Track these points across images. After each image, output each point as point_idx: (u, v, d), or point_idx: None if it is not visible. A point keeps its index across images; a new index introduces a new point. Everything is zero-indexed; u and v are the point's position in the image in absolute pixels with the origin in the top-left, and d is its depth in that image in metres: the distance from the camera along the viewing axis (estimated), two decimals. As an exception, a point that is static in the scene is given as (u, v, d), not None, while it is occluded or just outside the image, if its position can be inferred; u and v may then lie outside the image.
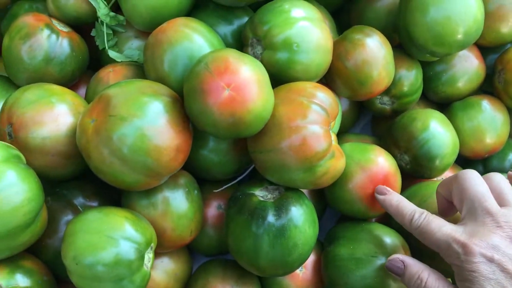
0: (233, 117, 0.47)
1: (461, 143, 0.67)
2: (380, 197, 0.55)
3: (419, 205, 0.59)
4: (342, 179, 0.58)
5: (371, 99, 0.68)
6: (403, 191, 0.63)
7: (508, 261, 0.43)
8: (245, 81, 0.47)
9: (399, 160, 0.64)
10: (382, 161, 0.58)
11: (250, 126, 0.49)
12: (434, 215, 0.49)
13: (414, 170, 0.64)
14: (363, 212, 0.59)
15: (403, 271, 0.49)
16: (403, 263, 0.50)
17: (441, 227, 0.47)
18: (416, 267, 0.49)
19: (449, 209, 0.53)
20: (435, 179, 0.66)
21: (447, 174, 0.67)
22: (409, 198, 0.61)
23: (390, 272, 0.52)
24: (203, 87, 0.47)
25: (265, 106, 0.49)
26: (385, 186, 0.56)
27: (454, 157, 0.64)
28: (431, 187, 0.61)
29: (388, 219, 0.65)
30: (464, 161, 0.73)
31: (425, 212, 0.50)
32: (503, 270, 0.43)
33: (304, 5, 0.58)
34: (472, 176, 0.49)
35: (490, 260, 0.43)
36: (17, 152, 0.49)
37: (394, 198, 0.54)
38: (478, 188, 0.48)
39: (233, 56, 0.49)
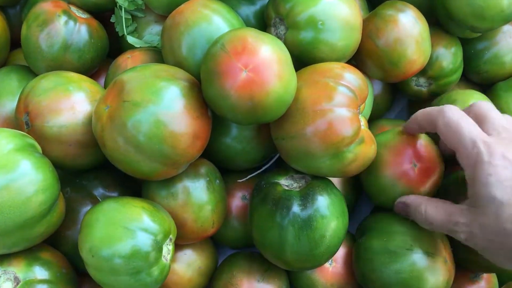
0: (252, 101, 0.44)
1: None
2: (406, 124, 0.54)
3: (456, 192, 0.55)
4: (374, 166, 0.54)
5: (406, 81, 0.63)
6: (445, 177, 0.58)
7: None
8: (264, 61, 0.44)
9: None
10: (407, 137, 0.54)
11: (271, 110, 0.46)
12: (463, 112, 0.47)
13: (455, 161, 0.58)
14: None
15: (408, 209, 0.51)
16: (405, 203, 0.52)
17: (470, 125, 0.45)
18: (414, 203, 0.50)
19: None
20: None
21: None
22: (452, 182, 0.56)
23: (401, 215, 0.53)
24: (219, 69, 0.44)
25: (286, 89, 0.46)
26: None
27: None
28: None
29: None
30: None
31: (455, 106, 0.47)
32: None
33: (330, -20, 0.54)
34: (456, 111, 0.47)
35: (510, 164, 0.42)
36: (32, 141, 0.47)
37: (418, 111, 0.51)
38: (464, 121, 0.46)
39: (251, 35, 0.45)
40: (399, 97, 0.74)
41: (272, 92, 0.44)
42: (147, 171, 0.48)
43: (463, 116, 0.46)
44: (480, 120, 0.46)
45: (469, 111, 0.48)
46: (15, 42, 0.66)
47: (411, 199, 0.51)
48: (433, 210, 0.48)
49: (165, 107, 0.45)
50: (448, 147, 0.47)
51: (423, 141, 0.54)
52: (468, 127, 0.45)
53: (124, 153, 0.46)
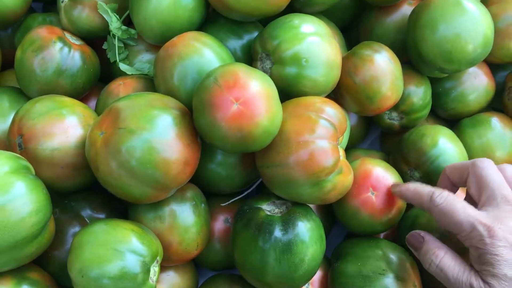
0: (241, 132, 0.47)
1: (470, 159, 0.66)
2: (396, 188, 0.55)
3: (428, 222, 0.59)
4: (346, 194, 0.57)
5: (379, 114, 0.68)
6: (412, 208, 0.63)
7: None
8: (254, 95, 0.47)
9: (409, 176, 0.64)
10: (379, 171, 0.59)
11: (258, 140, 0.49)
12: (454, 195, 0.48)
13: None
14: (370, 227, 0.58)
15: (421, 245, 0.50)
16: (423, 238, 0.50)
17: (465, 208, 0.46)
18: (435, 244, 0.49)
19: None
20: (444, 196, 0.65)
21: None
22: (418, 215, 0.61)
23: (408, 245, 0.52)
24: (212, 101, 0.47)
25: (273, 121, 0.49)
26: (398, 182, 0.57)
27: (464, 174, 0.63)
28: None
29: (396, 236, 0.65)
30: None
31: (446, 191, 0.49)
32: None
33: (313, 20, 0.58)
34: (490, 165, 0.49)
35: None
36: (26, 163, 0.49)
37: (410, 185, 0.54)
38: (496, 176, 0.48)
39: (242, 71, 0.49)
40: (373, 128, 0.79)
41: (260, 124, 0.47)
42: (138, 195, 0.50)
43: (454, 200, 0.47)
44: (480, 185, 0.48)
45: (471, 172, 0.50)
46: (5, 63, 0.68)
47: (429, 237, 0.50)
48: (450, 261, 0.47)
49: (158, 135, 0.48)
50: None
51: (381, 169, 0.58)
52: (462, 211, 0.46)
53: (116, 177, 0.48)
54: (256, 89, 0.48)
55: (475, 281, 0.45)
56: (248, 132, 0.47)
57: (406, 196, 0.53)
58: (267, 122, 0.48)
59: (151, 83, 0.61)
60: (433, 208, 0.48)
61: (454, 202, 0.47)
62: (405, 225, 0.62)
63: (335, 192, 0.54)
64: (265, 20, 0.61)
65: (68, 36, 0.62)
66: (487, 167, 0.49)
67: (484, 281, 0.45)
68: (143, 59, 0.64)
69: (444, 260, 0.47)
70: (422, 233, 0.51)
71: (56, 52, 0.58)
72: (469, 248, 0.46)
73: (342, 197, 0.57)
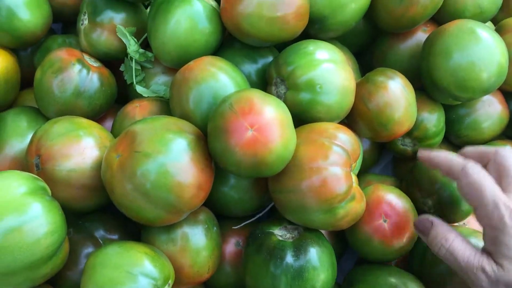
0: (255, 158, 0.48)
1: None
2: (424, 153, 0.54)
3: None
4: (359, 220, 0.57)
5: (393, 140, 0.68)
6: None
7: None
8: (269, 122, 0.48)
9: (421, 204, 0.64)
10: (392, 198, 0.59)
11: (272, 166, 0.49)
12: (486, 172, 0.47)
13: (437, 215, 0.62)
14: (382, 254, 0.58)
15: (430, 230, 0.50)
16: (432, 222, 0.50)
17: (494, 186, 0.46)
18: (444, 227, 0.49)
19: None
20: (457, 224, 0.65)
21: (470, 219, 0.66)
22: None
23: (417, 231, 0.52)
24: (227, 127, 0.48)
25: (287, 147, 0.49)
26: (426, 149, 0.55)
27: (477, 202, 0.63)
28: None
29: (407, 264, 0.64)
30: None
31: (479, 165, 0.48)
32: None
33: (328, 47, 0.59)
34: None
35: None
36: (43, 184, 0.50)
37: (441, 151, 0.52)
38: None
39: (257, 97, 0.49)
40: (385, 152, 0.79)
41: (274, 150, 0.48)
42: (152, 217, 0.50)
43: (485, 176, 0.47)
44: (501, 173, 0.48)
45: (493, 159, 0.49)
46: (24, 82, 0.69)
47: (437, 221, 0.50)
48: (460, 244, 0.47)
49: (173, 159, 0.48)
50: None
51: (394, 196, 0.58)
52: (490, 188, 0.45)
53: (131, 200, 0.49)
54: (270, 116, 0.48)
55: (487, 263, 0.45)
56: (262, 158, 0.48)
57: (435, 161, 0.52)
58: (281, 148, 0.48)
59: (166, 105, 0.62)
60: (463, 178, 0.47)
61: (485, 177, 0.46)
62: (417, 253, 0.61)
63: (347, 219, 0.54)
64: (280, 45, 0.62)
65: (87, 58, 0.63)
66: (510, 157, 0.48)
67: (497, 263, 0.44)
68: (159, 81, 0.66)
69: (454, 243, 0.47)
70: (431, 217, 0.51)
71: (75, 74, 0.59)
72: (484, 228, 0.46)
73: (354, 224, 0.57)
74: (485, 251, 0.46)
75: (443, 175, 0.53)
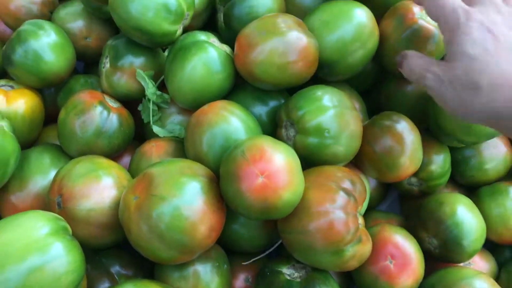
0: (265, 203, 0.50)
1: (489, 228, 0.67)
2: None
3: (446, 290, 0.60)
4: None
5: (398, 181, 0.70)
6: (430, 275, 0.64)
7: (502, 36, 0.46)
8: (278, 169, 0.50)
9: (427, 244, 0.65)
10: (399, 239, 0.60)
11: (281, 210, 0.52)
12: None
13: (443, 255, 0.64)
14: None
15: (402, 62, 0.55)
16: (402, 56, 0.55)
17: None
18: (406, 55, 0.54)
19: None
20: (462, 264, 0.66)
21: (476, 259, 0.68)
22: (437, 282, 0.62)
23: (398, 67, 0.56)
24: (238, 173, 0.51)
25: (295, 193, 0.52)
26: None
27: (482, 242, 0.65)
28: (458, 273, 0.62)
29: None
30: (492, 245, 0.73)
31: None
32: (494, 40, 0.45)
33: (336, 92, 0.61)
34: None
35: (487, 29, 0.46)
36: (64, 223, 0.53)
37: None
38: None
39: (268, 145, 0.52)
40: (392, 188, 0.80)
41: (283, 196, 0.50)
42: (166, 257, 0.53)
43: None
44: None
45: None
46: (48, 119, 0.73)
47: (409, 53, 0.55)
48: (416, 59, 0.52)
49: (187, 202, 0.51)
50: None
51: (400, 237, 0.60)
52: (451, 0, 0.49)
53: (147, 241, 0.51)
54: (280, 163, 0.51)
55: (436, 64, 0.49)
56: (271, 203, 0.50)
57: None
58: (289, 194, 0.51)
59: (181, 145, 0.65)
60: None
61: None
62: (423, 293, 0.63)
63: (354, 261, 0.55)
64: (291, 88, 0.65)
65: (107, 99, 0.66)
66: None
67: (446, 64, 0.48)
68: (175, 121, 0.69)
69: (412, 59, 0.53)
70: (403, 52, 0.56)
71: (96, 115, 0.63)
72: (444, 35, 0.49)
73: (361, 264, 0.58)
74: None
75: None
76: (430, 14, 0.51)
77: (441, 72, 0.48)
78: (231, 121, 0.59)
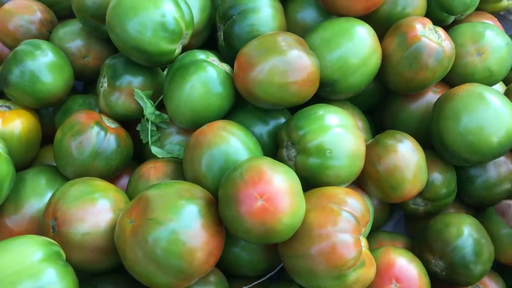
0: (264, 226, 0.48)
1: (497, 249, 0.65)
2: None
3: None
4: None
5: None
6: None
7: None
8: (278, 192, 0.49)
9: (433, 266, 0.63)
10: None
11: (281, 234, 0.50)
12: None
13: (450, 277, 0.62)
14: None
15: (508, 209, 0.52)
16: (510, 205, 0.52)
17: None
18: None
19: None
20: (470, 287, 0.64)
21: (485, 280, 0.65)
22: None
23: (497, 214, 0.54)
24: (237, 196, 0.49)
25: (295, 216, 0.50)
26: None
27: (491, 264, 0.63)
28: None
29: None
30: (500, 266, 0.70)
31: None
32: None
33: (338, 112, 0.60)
34: None
35: None
36: (58, 248, 0.51)
37: None
38: None
39: (267, 167, 0.51)
40: (397, 208, 0.78)
41: (283, 219, 0.49)
42: (162, 283, 0.51)
43: None
44: None
45: None
46: (45, 139, 0.72)
47: None
48: None
49: (184, 226, 0.50)
50: None
51: (405, 260, 0.58)
52: None
53: (142, 267, 0.50)
54: (279, 185, 0.49)
55: None
56: (271, 227, 0.49)
57: None
58: (289, 218, 0.49)
59: (180, 166, 0.63)
60: None
61: None
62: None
63: (357, 285, 0.54)
64: (292, 107, 0.64)
65: (105, 119, 0.65)
66: None
67: None
68: (174, 141, 0.67)
69: None
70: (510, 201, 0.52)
71: (93, 136, 0.62)
72: None
73: None
74: None
75: None
76: None
77: None
78: (231, 142, 0.57)
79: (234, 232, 0.51)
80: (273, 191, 0.49)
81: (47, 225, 0.56)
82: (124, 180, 0.68)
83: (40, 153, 0.72)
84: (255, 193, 0.49)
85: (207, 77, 0.61)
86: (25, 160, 0.69)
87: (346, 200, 0.55)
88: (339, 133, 0.58)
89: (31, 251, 0.48)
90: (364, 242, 0.56)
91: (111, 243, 0.54)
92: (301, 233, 0.53)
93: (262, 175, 0.50)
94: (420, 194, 0.67)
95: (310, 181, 0.58)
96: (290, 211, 0.49)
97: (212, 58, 0.65)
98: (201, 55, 0.65)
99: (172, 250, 0.49)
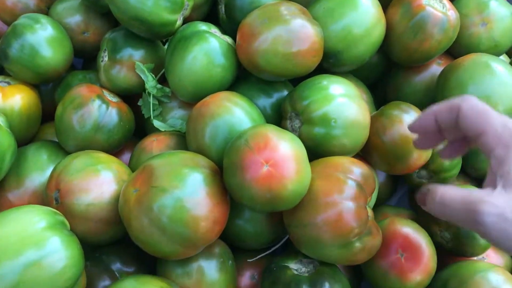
0: (270, 193, 0.48)
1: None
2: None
3: (460, 285, 0.58)
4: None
5: (408, 173, 0.67)
6: (443, 270, 0.61)
7: None
8: (284, 157, 0.48)
9: (439, 237, 0.63)
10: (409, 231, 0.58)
11: (287, 201, 0.49)
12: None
13: (456, 248, 0.62)
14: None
15: (424, 198, 0.44)
16: (428, 189, 0.43)
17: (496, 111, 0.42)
18: (432, 188, 0.43)
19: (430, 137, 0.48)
20: (475, 258, 0.64)
21: (490, 253, 0.65)
22: (450, 276, 0.59)
23: (419, 203, 0.45)
24: (242, 163, 0.48)
25: (302, 183, 0.50)
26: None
27: (496, 235, 0.62)
28: (472, 266, 0.59)
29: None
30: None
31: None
32: None
33: (342, 81, 0.59)
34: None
35: None
36: (62, 218, 0.51)
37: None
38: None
39: (272, 133, 0.50)
40: (401, 183, 0.78)
41: (289, 185, 0.48)
42: (167, 251, 0.50)
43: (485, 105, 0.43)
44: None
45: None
46: (45, 117, 0.71)
47: (436, 187, 0.43)
48: (452, 191, 0.41)
49: (189, 193, 0.49)
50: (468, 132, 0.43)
51: (410, 230, 0.58)
52: (495, 113, 0.42)
53: (148, 234, 0.49)
54: (285, 151, 0.49)
55: (490, 193, 0.38)
56: (277, 193, 0.48)
57: (432, 109, 0.47)
58: (296, 183, 0.49)
59: (183, 139, 0.63)
60: (465, 105, 0.43)
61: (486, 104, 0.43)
62: (436, 288, 0.60)
63: (363, 254, 0.53)
64: (295, 79, 0.63)
65: (106, 93, 0.65)
66: (477, 100, 0.43)
67: (504, 193, 0.38)
68: (176, 116, 0.67)
69: (446, 193, 0.41)
70: (428, 186, 0.44)
71: (94, 109, 0.61)
72: (492, 151, 0.41)
73: (371, 258, 0.56)
74: (487, 186, 0.41)
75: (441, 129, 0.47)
76: (471, 124, 0.42)
77: (502, 203, 0.37)
78: (235, 112, 0.57)
79: (239, 199, 0.51)
80: (279, 157, 0.48)
81: (50, 198, 0.55)
82: (126, 156, 0.68)
83: (40, 130, 0.72)
84: (260, 159, 0.48)
85: (209, 48, 0.60)
86: (26, 136, 0.68)
87: (352, 169, 0.54)
88: (344, 102, 0.58)
89: (35, 220, 0.47)
90: (370, 212, 0.56)
91: (115, 214, 0.54)
92: (307, 201, 0.52)
93: (268, 141, 0.49)
94: (425, 166, 0.66)
95: (315, 151, 0.58)
96: (296, 177, 0.49)
97: (214, 30, 0.64)
98: (202, 26, 0.64)
99: (177, 217, 0.48)
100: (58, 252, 0.47)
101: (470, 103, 0.43)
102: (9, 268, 0.44)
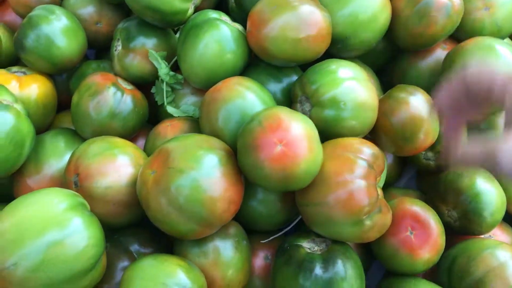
0: (284, 172, 0.49)
1: (508, 200, 0.67)
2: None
3: (467, 263, 0.59)
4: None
5: (415, 154, 0.69)
6: (451, 248, 0.63)
7: None
8: (297, 137, 0.50)
9: (447, 216, 0.64)
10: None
11: (300, 180, 0.51)
12: None
13: (463, 227, 0.63)
14: (409, 266, 0.59)
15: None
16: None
17: None
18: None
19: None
20: (482, 236, 0.65)
21: (497, 232, 0.67)
22: (459, 254, 0.61)
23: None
24: (256, 143, 0.50)
25: (314, 161, 0.51)
26: None
27: (503, 213, 0.64)
28: (480, 244, 0.61)
29: (435, 276, 0.65)
30: (512, 218, 0.72)
31: None
32: None
33: (350, 65, 0.61)
34: None
35: None
36: (82, 200, 0.52)
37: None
38: None
39: (285, 114, 0.52)
40: (409, 166, 0.79)
41: (302, 164, 0.50)
42: (185, 231, 0.52)
43: None
44: None
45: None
46: (60, 106, 0.73)
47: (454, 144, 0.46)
48: (471, 146, 0.41)
49: (205, 174, 0.51)
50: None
51: (419, 208, 0.59)
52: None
53: (166, 214, 0.51)
54: (298, 131, 0.50)
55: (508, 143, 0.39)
56: (290, 172, 0.50)
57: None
58: (308, 162, 0.50)
59: (196, 124, 0.64)
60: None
61: None
62: (444, 265, 0.62)
63: (374, 231, 0.55)
64: (304, 65, 0.65)
65: (120, 81, 0.66)
66: None
67: None
68: (189, 102, 0.68)
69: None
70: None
71: (110, 96, 0.63)
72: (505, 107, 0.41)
73: (381, 236, 0.58)
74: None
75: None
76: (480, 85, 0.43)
77: None
78: (247, 96, 0.58)
79: (253, 179, 0.52)
80: (292, 136, 0.50)
81: (69, 181, 0.57)
82: (141, 142, 0.70)
83: (56, 119, 0.73)
84: (274, 138, 0.50)
85: (220, 35, 0.62)
86: (43, 125, 0.70)
87: (361, 148, 0.56)
88: (352, 85, 0.59)
89: (56, 201, 0.49)
90: (379, 191, 0.58)
91: (133, 197, 0.56)
92: (318, 181, 0.54)
93: (281, 122, 0.51)
94: (432, 148, 0.68)
95: (326, 133, 0.59)
96: (309, 157, 0.50)
97: (225, 18, 0.66)
98: (213, 14, 0.66)
99: (194, 197, 0.50)
100: (80, 232, 0.48)
101: (472, 70, 0.44)
102: (33, 248, 0.46)
